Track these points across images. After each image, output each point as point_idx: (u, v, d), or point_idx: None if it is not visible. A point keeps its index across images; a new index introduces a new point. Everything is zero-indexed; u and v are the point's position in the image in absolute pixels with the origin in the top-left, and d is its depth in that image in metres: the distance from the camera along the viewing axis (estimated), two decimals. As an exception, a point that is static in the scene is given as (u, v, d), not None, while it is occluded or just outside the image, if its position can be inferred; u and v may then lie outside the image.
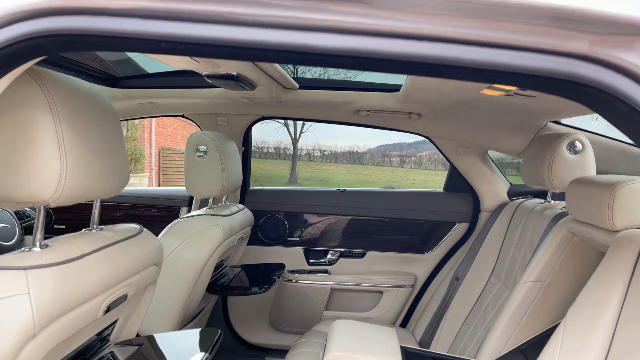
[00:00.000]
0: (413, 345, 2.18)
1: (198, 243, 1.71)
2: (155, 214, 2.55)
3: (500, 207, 2.19)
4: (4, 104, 0.81)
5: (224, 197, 2.10)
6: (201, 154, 1.85)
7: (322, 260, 2.50)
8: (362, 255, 2.49)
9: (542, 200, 2.02)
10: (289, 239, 2.50)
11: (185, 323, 1.88)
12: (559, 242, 1.57)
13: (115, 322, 1.19)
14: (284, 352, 2.31)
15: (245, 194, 2.51)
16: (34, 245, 0.89)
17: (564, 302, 1.57)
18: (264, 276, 2.14)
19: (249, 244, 2.44)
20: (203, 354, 1.21)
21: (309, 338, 2.06)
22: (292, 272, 2.46)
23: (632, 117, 0.60)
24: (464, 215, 2.44)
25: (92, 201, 1.08)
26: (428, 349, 2.13)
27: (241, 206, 2.13)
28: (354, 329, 1.57)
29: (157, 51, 0.66)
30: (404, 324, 2.45)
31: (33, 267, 0.81)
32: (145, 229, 1.21)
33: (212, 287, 1.88)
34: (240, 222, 1.98)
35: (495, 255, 2.08)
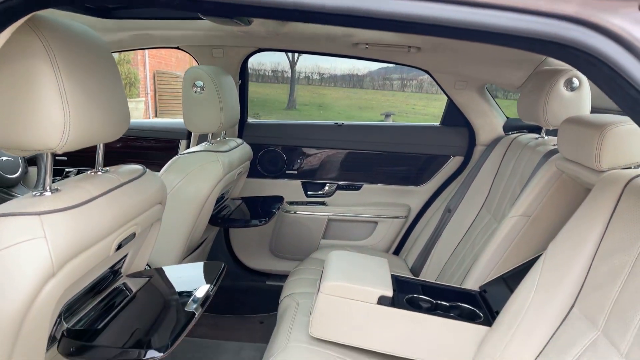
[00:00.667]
0: (405, 271, 2.32)
1: (198, 179, 1.76)
2: (154, 145, 2.59)
3: (495, 141, 2.23)
4: (3, 54, 0.82)
5: (223, 132, 2.12)
6: (198, 89, 1.85)
7: (319, 192, 2.58)
8: (358, 188, 2.56)
9: (537, 136, 2.05)
10: (287, 171, 2.56)
11: (189, 253, 1.98)
12: (548, 179, 1.63)
13: (125, 256, 1.26)
14: (284, 276, 2.45)
15: (243, 128, 2.53)
16: (44, 189, 0.94)
17: (546, 237, 1.66)
18: (263, 208, 2.23)
19: (248, 176, 2.50)
20: (209, 285, 1.28)
21: (306, 265, 2.18)
22: (291, 203, 2.55)
23: (615, 81, 0.62)
24: (459, 149, 2.48)
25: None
26: (419, 275, 2.27)
27: (239, 141, 2.17)
28: (349, 259, 1.67)
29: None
30: (397, 252, 2.58)
31: (47, 212, 0.86)
32: (148, 170, 1.25)
33: (214, 220, 1.96)
34: (239, 157, 2.02)
35: (487, 189, 2.16)
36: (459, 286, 1.75)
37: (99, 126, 0.98)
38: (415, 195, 2.56)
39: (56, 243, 0.85)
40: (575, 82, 1.76)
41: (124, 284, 1.28)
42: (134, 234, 1.14)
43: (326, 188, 2.58)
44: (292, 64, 16.10)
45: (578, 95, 1.75)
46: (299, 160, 2.56)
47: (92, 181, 1.03)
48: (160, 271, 1.37)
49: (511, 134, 2.25)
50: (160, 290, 1.29)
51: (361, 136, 2.53)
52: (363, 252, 2.40)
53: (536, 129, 2.29)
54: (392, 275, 1.69)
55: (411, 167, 2.53)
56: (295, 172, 2.56)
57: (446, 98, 2.49)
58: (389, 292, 1.47)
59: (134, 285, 1.27)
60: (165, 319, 1.15)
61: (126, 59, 10.98)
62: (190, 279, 1.39)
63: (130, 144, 2.56)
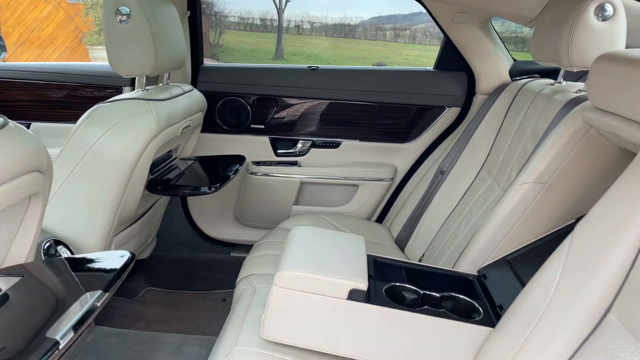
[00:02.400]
0: (389, 242, 1.99)
1: (125, 134, 1.37)
2: (95, 95, 2.17)
3: (500, 88, 1.84)
4: None
5: (165, 76, 1.71)
6: (123, 17, 1.42)
7: (291, 150, 2.20)
8: (336, 145, 2.18)
9: (552, 81, 1.66)
10: (252, 126, 2.17)
11: (124, 226, 1.62)
12: (571, 135, 1.26)
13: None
14: (251, 247, 2.13)
15: (198, 73, 2.11)
16: None
17: (564, 210, 1.32)
18: (219, 170, 1.85)
19: (205, 131, 2.11)
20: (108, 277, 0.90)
21: (272, 237, 1.84)
22: (258, 163, 2.17)
23: None
24: (456, 99, 2.09)
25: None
26: (404, 248, 1.94)
27: (187, 87, 1.76)
28: (314, 238, 1.32)
29: None
30: (380, 220, 2.24)
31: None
32: (12, 123, 0.86)
33: (152, 186, 1.59)
34: (184, 107, 1.62)
35: (488, 146, 1.79)
36: (452, 269, 1.41)
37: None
38: (402, 154, 2.18)
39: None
40: (609, 8, 1.36)
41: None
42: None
43: (299, 145, 2.20)
44: (280, 11, 15.24)
45: (612, 26, 1.35)
46: (266, 112, 2.15)
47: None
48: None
49: (520, 79, 1.85)
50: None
51: (340, 83, 2.12)
52: (342, 220, 2.06)
53: (550, 74, 1.90)
54: (369, 256, 1.35)
55: (398, 120, 2.14)
56: (262, 126, 2.17)
57: (440, 43, 2.08)
58: (362, 285, 1.12)
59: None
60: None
61: (100, 2, 10.18)
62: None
63: (72, 92, 2.14)
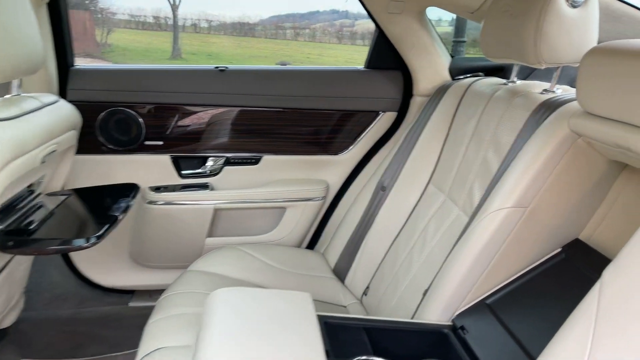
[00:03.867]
0: (326, 273, 1.67)
1: None
2: None
3: (441, 90, 1.60)
4: None
5: (14, 84, 1.22)
6: None
7: (199, 170, 1.79)
8: (255, 161, 1.81)
9: (504, 81, 1.45)
10: (147, 142, 1.72)
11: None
12: (555, 148, 1.03)
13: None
14: (156, 291, 1.70)
15: (67, 78, 1.61)
16: None
17: (550, 235, 1.09)
18: (107, 206, 1.39)
19: (82, 152, 1.63)
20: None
21: (181, 286, 1.42)
22: (157, 189, 1.73)
23: None
24: (391, 102, 1.82)
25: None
26: (344, 279, 1.64)
27: (50, 97, 1.28)
28: (243, 307, 0.96)
29: None
30: (312, 246, 1.91)
31: None
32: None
33: (1, 242, 1.11)
34: (44, 127, 1.15)
35: (434, 156, 1.55)
36: (419, 322, 1.12)
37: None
38: (334, 168, 1.88)
39: None
40: None
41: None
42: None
43: (209, 163, 1.79)
44: (174, 8, 14.34)
45: (584, 14, 1.14)
46: (165, 125, 1.72)
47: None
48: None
49: (462, 78, 1.63)
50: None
51: (255, 86, 1.75)
52: (268, 251, 1.69)
53: (495, 72, 1.71)
54: (319, 317, 1.02)
55: (327, 128, 1.83)
56: (160, 142, 1.73)
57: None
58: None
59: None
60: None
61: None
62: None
63: None
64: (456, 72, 1.73)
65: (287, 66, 1.81)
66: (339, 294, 1.60)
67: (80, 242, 1.12)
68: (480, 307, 1.08)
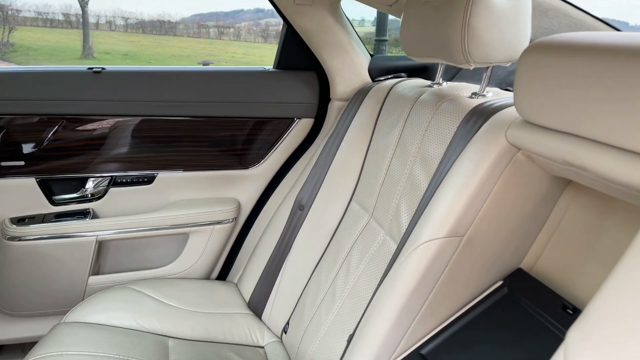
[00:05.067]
0: (240, 308, 1.43)
1: None
2: None
3: (361, 92, 1.41)
4: None
5: None
6: None
7: (76, 195, 1.47)
8: (149, 180, 1.52)
9: (429, 83, 1.28)
10: (4, 163, 1.37)
11: None
12: (492, 164, 0.85)
13: None
14: (30, 344, 1.37)
15: None
16: None
17: (488, 266, 0.92)
18: None
19: None
20: None
21: (51, 347, 1.12)
22: (22, 221, 1.39)
23: None
24: (307, 107, 1.60)
25: None
26: (261, 314, 1.40)
27: None
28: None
29: None
30: (223, 276, 1.66)
31: None
32: None
33: None
34: None
35: (356, 169, 1.35)
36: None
37: None
38: (245, 184, 1.63)
39: None
40: None
41: None
42: None
43: (89, 185, 1.48)
44: (83, 4, 13.30)
45: (516, 5, 0.99)
46: (27, 140, 1.38)
47: None
48: None
49: (383, 79, 1.45)
50: None
51: (142, 91, 1.45)
52: (170, 288, 1.42)
53: (419, 72, 1.54)
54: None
55: (234, 138, 1.58)
56: (22, 162, 1.39)
57: (266, 41, 1.56)
58: None
59: None
60: None
61: None
62: None
63: None
64: (376, 72, 1.55)
65: (179, 67, 1.54)
66: (255, 332, 1.37)
67: None
68: (413, 357, 0.89)
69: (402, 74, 1.49)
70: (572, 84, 0.67)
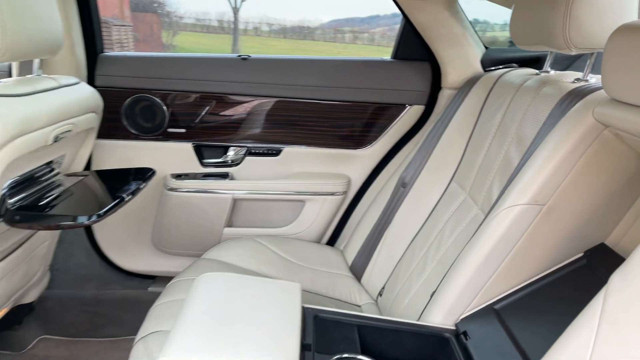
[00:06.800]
0: (342, 270, 1.61)
1: None
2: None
3: (470, 81, 1.50)
4: None
5: (35, 65, 1.27)
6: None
7: (220, 160, 1.79)
8: (276, 153, 1.79)
9: (536, 71, 1.33)
10: (170, 130, 1.74)
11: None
12: (578, 139, 0.92)
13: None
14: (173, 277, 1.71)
15: (96, 64, 1.67)
16: None
17: (570, 238, 0.97)
18: (118, 188, 1.41)
19: (107, 137, 1.68)
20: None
21: (191, 273, 1.42)
22: (179, 176, 1.75)
23: None
24: (419, 94, 1.74)
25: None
26: (361, 278, 1.57)
27: (69, 79, 1.32)
28: (226, 293, 0.92)
29: None
30: (332, 242, 1.86)
31: None
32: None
33: (9, 216, 1.14)
34: (57, 106, 1.18)
35: (459, 152, 1.45)
36: (420, 323, 1.04)
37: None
38: (357, 162, 1.81)
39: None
40: None
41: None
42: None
43: (230, 153, 1.79)
44: (235, 10, 14.77)
45: None
46: (188, 113, 1.74)
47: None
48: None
49: (495, 69, 1.52)
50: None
51: (278, 76, 1.72)
52: (285, 245, 1.66)
53: (532, 63, 1.58)
54: (308, 312, 0.97)
55: (351, 121, 1.77)
56: (183, 130, 1.75)
57: (399, 28, 1.72)
58: (289, 371, 0.74)
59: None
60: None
61: None
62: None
63: None
64: (489, 63, 1.62)
65: (312, 56, 1.77)
66: (354, 292, 1.54)
67: (82, 219, 1.14)
68: (487, 313, 0.99)
69: (514, 65, 1.54)
70: None
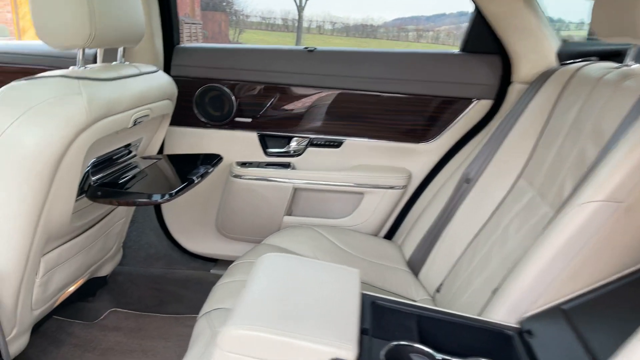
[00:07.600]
0: (399, 265, 1.60)
1: (43, 122, 1.02)
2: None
3: (544, 75, 1.43)
4: None
5: (119, 53, 1.36)
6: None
7: (283, 149, 1.83)
8: (338, 144, 1.80)
9: (617, 65, 1.25)
10: (237, 119, 1.81)
11: (59, 243, 1.28)
12: None
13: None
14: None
15: (172, 54, 1.76)
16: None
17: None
18: (189, 171, 1.49)
19: (179, 124, 1.76)
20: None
21: (252, 257, 1.47)
22: (244, 164, 1.81)
23: None
24: (487, 88, 1.69)
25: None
26: (418, 273, 1.55)
27: (149, 67, 1.41)
28: (288, 274, 0.95)
29: None
30: (390, 236, 1.85)
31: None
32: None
33: (93, 192, 1.24)
34: (138, 92, 1.27)
35: (528, 148, 1.39)
36: (481, 318, 1.02)
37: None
38: (418, 157, 1.79)
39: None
40: None
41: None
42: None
43: (293, 144, 1.83)
44: (300, 9, 15.00)
45: None
46: (254, 103, 1.79)
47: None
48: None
49: (570, 63, 1.44)
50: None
51: (343, 68, 1.74)
52: (342, 235, 1.67)
53: (612, 57, 1.49)
54: (366, 298, 0.97)
55: (415, 115, 1.75)
56: (249, 120, 1.80)
57: (469, 19, 1.68)
58: (349, 351, 0.75)
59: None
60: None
61: None
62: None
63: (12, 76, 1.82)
64: (566, 57, 1.54)
65: (376, 49, 1.77)
66: (411, 287, 1.53)
67: (156, 197, 1.22)
68: (555, 313, 0.95)
69: (593, 58, 1.46)
70: None
